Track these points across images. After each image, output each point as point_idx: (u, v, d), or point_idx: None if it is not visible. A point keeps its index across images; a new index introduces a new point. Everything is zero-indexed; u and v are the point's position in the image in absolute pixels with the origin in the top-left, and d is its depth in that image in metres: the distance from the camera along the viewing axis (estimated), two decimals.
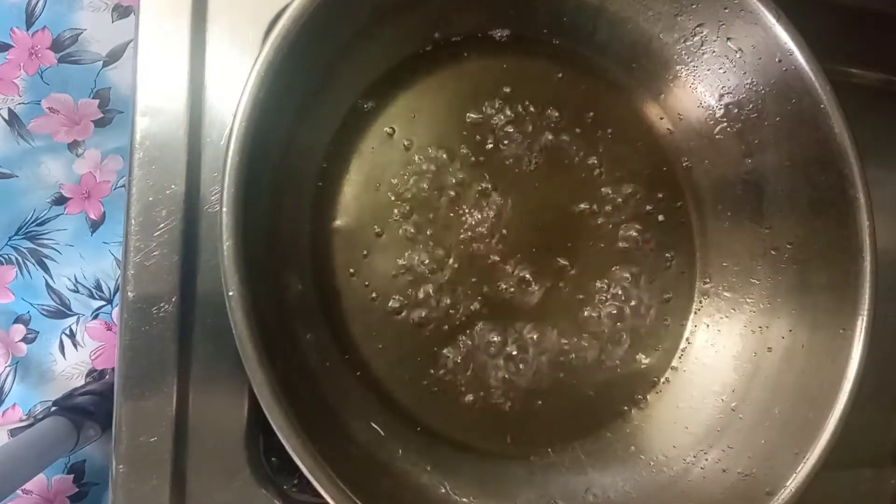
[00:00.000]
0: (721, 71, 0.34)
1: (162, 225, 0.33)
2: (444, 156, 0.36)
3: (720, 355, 0.36)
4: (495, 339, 0.35)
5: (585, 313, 0.36)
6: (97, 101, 0.91)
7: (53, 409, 0.77)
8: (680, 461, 0.34)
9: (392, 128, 0.35)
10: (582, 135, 0.37)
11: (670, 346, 0.37)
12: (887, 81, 0.42)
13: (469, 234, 0.35)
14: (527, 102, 0.37)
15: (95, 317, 0.89)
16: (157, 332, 0.33)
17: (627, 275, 0.37)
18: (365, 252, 0.35)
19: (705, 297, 0.38)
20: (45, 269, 0.89)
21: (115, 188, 0.91)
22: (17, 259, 0.89)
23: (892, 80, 0.42)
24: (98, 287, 0.89)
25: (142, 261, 0.33)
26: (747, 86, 0.34)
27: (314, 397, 0.31)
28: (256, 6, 0.34)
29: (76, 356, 0.89)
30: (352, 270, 0.34)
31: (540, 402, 0.36)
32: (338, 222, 0.35)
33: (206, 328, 0.34)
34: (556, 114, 0.37)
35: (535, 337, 0.36)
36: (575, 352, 0.36)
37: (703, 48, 0.34)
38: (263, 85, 0.28)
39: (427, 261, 0.35)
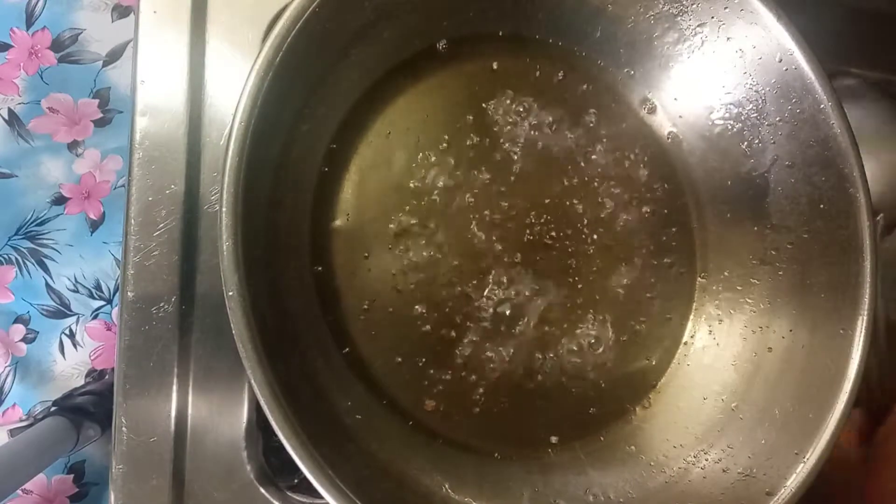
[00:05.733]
0: (721, 71, 0.34)
1: (162, 225, 0.33)
2: (444, 156, 0.36)
3: (720, 355, 0.36)
4: (495, 338, 0.35)
5: (585, 313, 0.36)
6: (97, 101, 0.91)
7: (53, 409, 0.78)
8: (680, 461, 0.34)
9: (392, 128, 0.35)
10: (582, 135, 0.37)
11: (670, 345, 0.37)
12: (887, 81, 0.42)
13: (469, 233, 0.35)
14: (526, 103, 0.37)
15: (95, 317, 0.89)
16: (157, 332, 0.33)
17: (627, 275, 0.37)
18: (365, 252, 0.35)
19: (705, 296, 0.37)
20: (45, 269, 0.89)
21: (115, 188, 0.91)
22: (16, 259, 0.89)
23: (892, 80, 0.42)
24: (98, 287, 0.90)
25: (141, 261, 0.33)
26: (747, 86, 0.34)
27: (314, 397, 0.31)
28: (256, 6, 0.34)
29: (76, 356, 0.89)
30: (352, 270, 0.34)
31: (540, 402, 0.36)
32: (338, 222, 0.35)
33: (206, 328, 0.34)
34: (556, 114, 0.37)
35: (534, 337, 0.36)
36: (575, 352, 0.36)
37: (703, 48, 0.34)
38: (263, 85, 0.28)
39: (427, 260, 0.35)
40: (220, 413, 0.34)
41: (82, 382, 0.88)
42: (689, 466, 0.33)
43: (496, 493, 0.33)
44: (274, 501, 0.33)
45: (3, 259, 0.89)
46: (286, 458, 0.26)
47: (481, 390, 0.35)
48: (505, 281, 0.35)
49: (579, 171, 0.37)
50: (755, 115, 0.34)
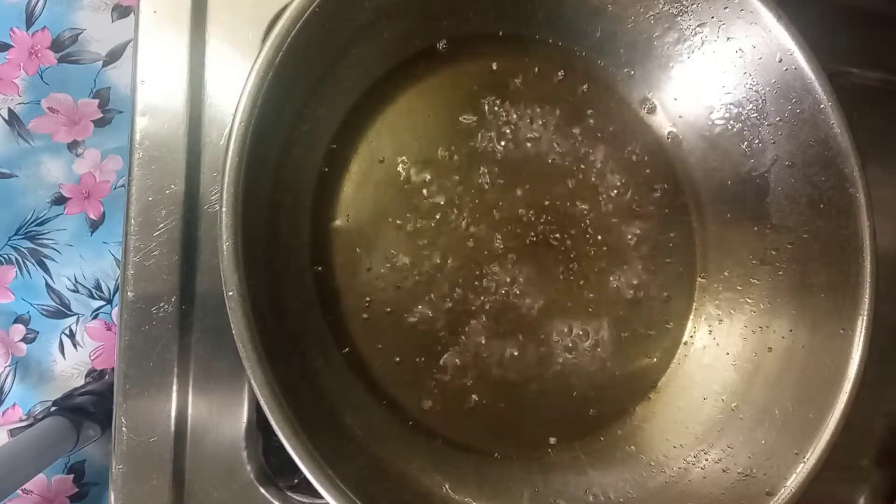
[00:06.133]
0: (721, 71, 0.34)
1: (162, 225, 0.33)
2: (444, 156, 0.36)
3: (720, 355, 0.36)
4: (495, 338, 0.35)
5: (585, 313, 0.36)
6: (97, 101, 0.91)
7: (53, 409, 0.77)
8: (680, 461, 0.34)
9: (392, 128, 0.35)
10: (582, 135, 0.37)
11: (670, 345, 0.37)
12: (887, 81, 0.42)
13: (469, 233, 0.35)
14: (526, 102, 0.37)
15: (95, 317, 0.89)
16: (156, 332, 0.33)
17: (627, 275, 0.37)
18: (364, 252, 0.34)
19: (705, 296, 0.37)
20: (45, 269, 0.89)
21: (115, 188, 0.91)
22: (17, 259, 0.89)
23: (892, 80, 0.42)
24: (98, 287, 0.89)
25: (141, 261, 0.33)
26: (747, 86, 0.34)
27: (314, 397, 0.31)
28: (256, 6, 0.34)
29: (76, 356, 0.89)
30: (351, 270, 0.34)
31: (540, 402, 0.36)
32: (338, 222, 0.35)
33: (206, 328, 0.34)
34: (556, 114, 0.37)
35: (535, 337, 0.36)
36: (575, 352, 0.36)
37: (703, 48, 0.34)
38: (263, 85, 0.28)
39: (427, 260, 0.35)
40: (220, 413, 0.34)
41: (82, 382, 0.88)
42: (689, 466, 0.33)
43: (496, 493, 0.33)
44: (274, 501, 0.33)
45: (3, 259, 0.89)
46: (286, 458, 0.26)
47: (481, 390, 0.35)
48: (506, 281, 0.35)
49: (579, 171, 0.37)
50: (755, 115, 0.34)
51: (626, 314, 0.37)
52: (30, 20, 0.91)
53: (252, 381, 0.26)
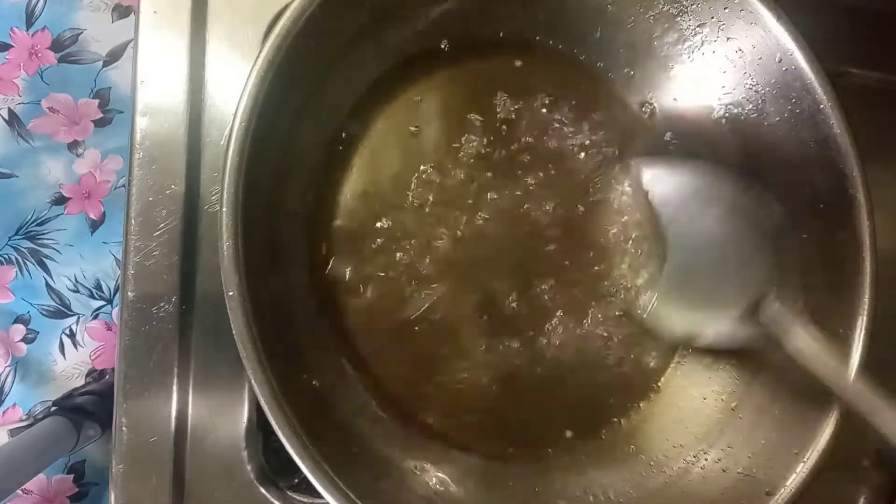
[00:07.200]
0: (721, 71, 0.34)
1: (162, 225, 0.33)
2: (445, 157, 0.36)
3: (720, 355, 0.36)
4: (496, 339, 0.35)
5: (586, 314, 0.36)
6: (97, 101, 0.91)
7: (53, 409, 0.78)
8: (680, 461, 0.34)
9: (392, 128, 0.35)
10: (582, 136, 0.37)
11: (670, 345, 0.37)
12: (887, 81, 0.42)
13: (469, 235, 0.35)
14: (526, 104, 0.37)
15: (95, 317, 0.89)
16: (157, 332, 0.33)
17: (628, 275, 0.37)
18: (365, 252, 0.35)
19: None
20: (45, 269, 0.89)
21: (115, 188, 0.91)
22: (17, 259, 0.89)
23: (892, 81, 0.42)
24: (98, 287, 0.90)
25: (142, 261, 0.33)
26: (747, 86, 0.34)
27: (314, 397, 0.31)
28: (256, 6, 0.34)
29: (76, 356, 0.89)
30: (352, 271, 0.34)
31: (540, 403, 0.36)
32: (338, 222, 0.35)
33: (206, 328, 0.34)
34: (556, 114, 0.37)
35: (535, 337, 0.36)
36: (575, 352, 0.36)
37: (703, 48, 0.34)
38: (263, 85, 0.28)
39: (427, 261, 0.35)
40: (220, 413, 0.34)
41: (82, 382, 0.88)
42: (689, 466, 0.33)
43: (496, 494, 0.33)
44: (274, 501, 0.33)
45: (3, 259, 0.89)
46: (286, 458, 0.26)
47: (482, 391, 0.35)
48: (505, 282, 0.35)
49: (579, 172, 0.37)
50: (755, 115, 0.34)
51: (627, 314, 0.37)
52: (30, 20, 0.91)
53: (252, 381, 0.26)
